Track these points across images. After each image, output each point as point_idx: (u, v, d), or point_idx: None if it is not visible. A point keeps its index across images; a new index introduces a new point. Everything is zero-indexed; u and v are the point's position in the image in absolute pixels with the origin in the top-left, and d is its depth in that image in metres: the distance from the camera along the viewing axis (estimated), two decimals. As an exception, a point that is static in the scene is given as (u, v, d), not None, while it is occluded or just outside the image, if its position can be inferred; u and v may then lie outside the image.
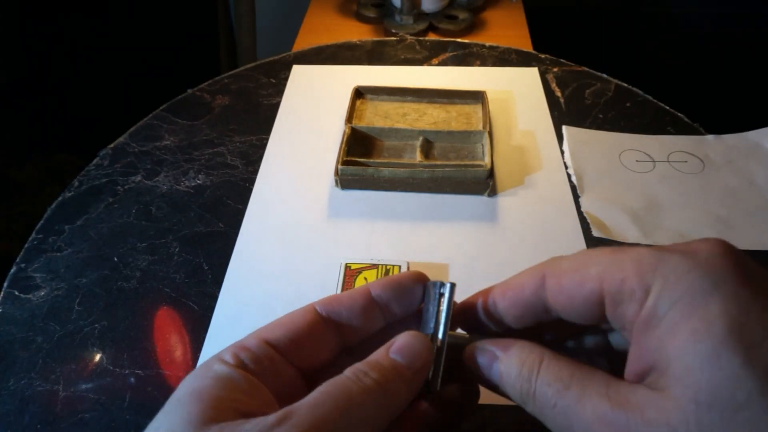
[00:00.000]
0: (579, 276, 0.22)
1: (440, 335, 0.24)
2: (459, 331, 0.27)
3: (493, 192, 0.49)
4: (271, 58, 0.67)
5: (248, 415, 0.20)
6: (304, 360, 0.25)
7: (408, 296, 0.27)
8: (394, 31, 0.90)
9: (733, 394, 0.16)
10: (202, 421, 0.20)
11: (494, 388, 0.24)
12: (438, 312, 0.25)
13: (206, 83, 0.63)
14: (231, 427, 0.19)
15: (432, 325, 0.25)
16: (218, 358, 0.23)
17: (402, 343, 0.24)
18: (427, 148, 0.52)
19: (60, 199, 0.51)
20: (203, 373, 0.23)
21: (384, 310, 0.27)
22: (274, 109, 0.59)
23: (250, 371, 0.23)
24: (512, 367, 0.23)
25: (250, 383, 0.22)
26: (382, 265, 0.40)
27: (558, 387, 0.21)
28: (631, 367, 0.20)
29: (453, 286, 0.24)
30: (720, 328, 0.17)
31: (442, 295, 0.25)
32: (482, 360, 0.24)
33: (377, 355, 0.24)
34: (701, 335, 0.17)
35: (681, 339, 0.18)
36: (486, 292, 0.25)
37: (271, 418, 0.20)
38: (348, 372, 0.22)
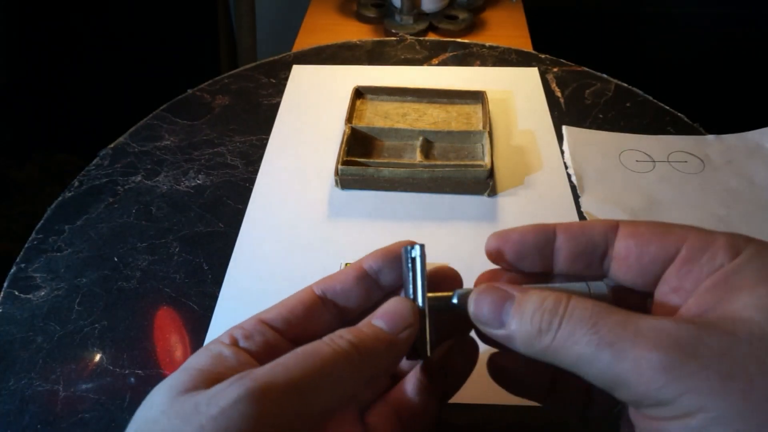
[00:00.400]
0: (661, 230, 0.22)
1: (420, 299, 0.24)
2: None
3: (493, 192, 0.49)
4: (271, 58, 0.67)
5: None
6: (300, 337, 0.25)
7: (399, 264, 0.26)
8: (394, 31, 0.90)
9: None
10: (182, 390, 0.20)
11: (500, 337, 0.22)
12: (414, 276, 0.24)
13: (206, 83, 0.63)
14: (203, 393, 0.20)
15: (411, 290, 0.24)
16: (217, 340, 0.24)
17: (385, 308, 0.24)
18: (427, 148, 0.52)
19: (60, 199, 0.51)
20: (200, 352, 0.23)
21: (378, 281, 0.26)
22: (274, 109, 0.59)
23: (243, 348, 0.23)
24: (531, 302, 0.21)
25: (240, 358, 0.23)
26: (382, 265, 0.40)
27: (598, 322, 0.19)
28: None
29: (422, 247, 0.24)
30: None
31: (414, 258, 0.24)
32: (492, 298, 0.22)
33: (361, 323, 0.24)
34: None
35: (757, 295, 0.19)
36: (549, 227, 0.24)
37: (234, 377, 0.20)
38: (324, 337, 0.23)
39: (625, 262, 0.22)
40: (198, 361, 0.22)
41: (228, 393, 0.19)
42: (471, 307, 0.23)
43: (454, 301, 0.24)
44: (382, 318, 0.24)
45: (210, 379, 0.21)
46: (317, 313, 0.26)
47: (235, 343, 0.24)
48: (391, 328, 0.23)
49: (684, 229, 0.22)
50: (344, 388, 0.21)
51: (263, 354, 0.23)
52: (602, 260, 0.23)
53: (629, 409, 0.20)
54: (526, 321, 0.21)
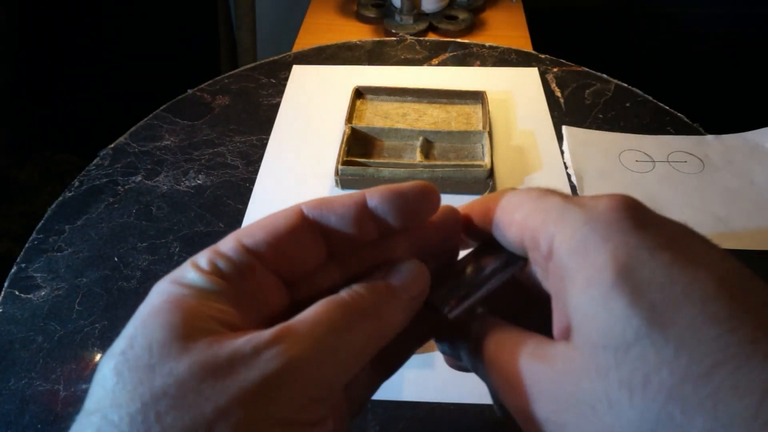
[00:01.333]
0: (508, 218, 0.22)
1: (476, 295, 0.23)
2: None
3: (493, 192, 0.49)
4: (271, 58, 0.67)
5: (234, 328, 0.19)
6: (286, 267, 0.23)
7: (410, 211, 0.24)
8: (394, 31, 0.90)
9: (623, 333, 0.17)
10: (186, 333, 0.18)
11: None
12: (492, 273, 0.23)
13: (206, 83, 0.63)
14: (220, 342, 0.18)
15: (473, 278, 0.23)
16: (192, 263, 0.21)
17: (400, 269, 0.23)
18: (427, 148, 0.52)
19: (60, 199, 0.51)
20: (177, 279, 0.20)
21: (380, 222, 0.24)
22: (274, 109, 0.59)
23: (228, 279, 0.21)
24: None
25: (229, 294, 0.20)
26: (382, 265, 0.40)
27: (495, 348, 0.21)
28: (556, 324, 0.20)
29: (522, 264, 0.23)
30: (608, 274, 0.18)
31: (505, 267, 0.23)
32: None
33: (374, 280, 0.23)
34: (592, 283, 0.18)
35: (577, 289, 0.18)
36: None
37: (267, 334, 0.18)
38: (345, 293, 0.21)
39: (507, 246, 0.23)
40: (180, 292, 0.20)
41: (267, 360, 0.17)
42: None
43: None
44: (398, 278, 0.23)
45: (212, 320, 0.19)
46: (306, 242, 0.23)
47: (217, 272, 0.21)
48: (406, 289, 0.22)
49: (523, 212, 0.22)
50: (366, 354, 0.21)
51: (249, 288, 0.21)
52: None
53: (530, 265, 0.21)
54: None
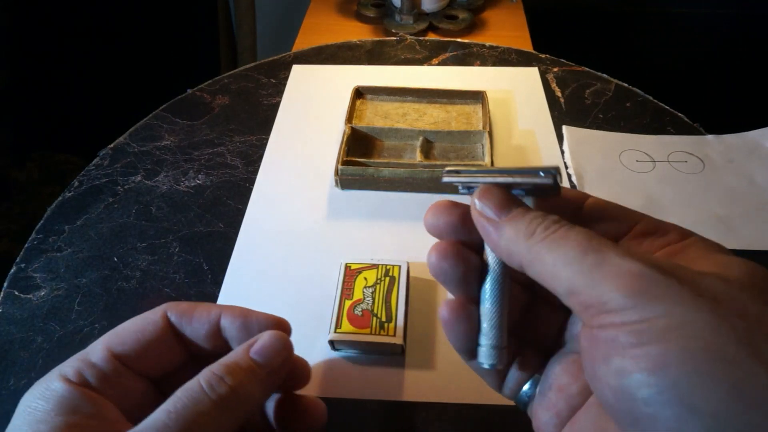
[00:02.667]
0: (622, 208, 0.24)
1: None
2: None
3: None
4: (271, 58, 0.67)
5: None
6: (152, 369, 0.25)
7: (251, 332, 0.26)
8: (394, 31, 0.90)
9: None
10: None
11: (488, 225, 0.22)
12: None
13: (206, 83, 0.63)
14: None
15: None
16: (59, 374, 0.22)
17: (263, 343, 0.24)
18: (427, 148, 0.52)
19: (60, 199, 0.51)
20: (43, 392, 0.22)
21: (225, 338, 0.26)
22: (274, 109, 0.59)
23: (95, 389, 0.22)
24: (535, 213, 0.21)
25: (94, 404, 0.22)
26: (382, 265, 0.40)
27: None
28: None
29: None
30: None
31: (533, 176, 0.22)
32: (503, 195, 0.22)
33: (236, 354, 0.24)
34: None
35: (714, 261, 0.19)
36: None
37: None
38: (202, 379, 0.22)
39: (587, 226, 0.23)
40: (44, 409, 0.21)
41: None
42: (476, 196, 0.22)
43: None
44: (260, 353, 0.24)
45: None
46: (170, 346, 0.25)
47: (83, 382, 0.22)
48: (267, 364, 0.24)
49: (641, 213, 0.23)
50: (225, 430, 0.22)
51: (117, 394, 0.23)
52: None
53: (569, 329, 0.21)
54: (524, 223, 0.21)
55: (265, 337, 0.24)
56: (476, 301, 0.24)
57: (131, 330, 0.25)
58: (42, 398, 0.21)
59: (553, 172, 0.21)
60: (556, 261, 0.19)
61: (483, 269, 0.24)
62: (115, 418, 0.22)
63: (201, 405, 0.21)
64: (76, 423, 0.21)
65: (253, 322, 0.26)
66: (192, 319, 0.26)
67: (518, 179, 0.22)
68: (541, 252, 0.20)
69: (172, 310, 0.26)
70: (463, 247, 0.23)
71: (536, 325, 0.25)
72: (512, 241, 0.21)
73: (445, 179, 0.24)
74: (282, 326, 0.27)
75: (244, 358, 0.23)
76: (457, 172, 0.24)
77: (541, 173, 0.21)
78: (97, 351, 0.24)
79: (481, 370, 0.24)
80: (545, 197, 0.23)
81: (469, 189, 0.24)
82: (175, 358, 0.26)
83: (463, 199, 0.25)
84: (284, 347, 0.24)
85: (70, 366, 0.23)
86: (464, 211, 0.24)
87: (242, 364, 0.23)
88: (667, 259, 0.20)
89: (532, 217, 0.21)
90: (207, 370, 0.23)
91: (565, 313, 0.25)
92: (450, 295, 0.24)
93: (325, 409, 0.28)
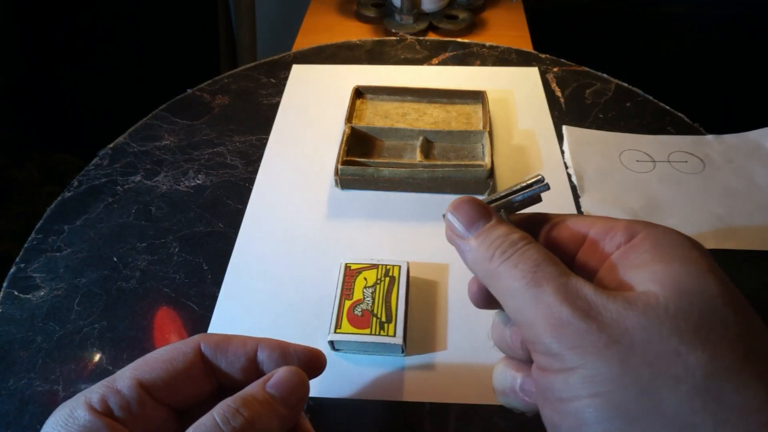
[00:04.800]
0: (576, 219, 0.24)
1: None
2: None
3: (493, 192, 0.49)
4: (271, 58, 0.67)
5: None
6: (178, 400, 0.25)
7: (286, 360, 0.27)
8: (394, 30, 0.90)
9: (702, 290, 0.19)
10: None
11: (458, 244, 0.24)
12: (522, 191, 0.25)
13: (206, 83, 0.63)
14: None
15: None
16: (85, 401, 0.23)
17: (280, 378, 0.24)
18: (427, 148, 0.52)
19: (59, 199, 0.51)
20: (66, 420, 0.22)
21: (263, 371, 0.26)
22: (273, 108, 0.59)
23: (118, 419, 0.22)
24: (499, 230, 0.22)
25: (117, 430, 0.22)
26: (382, 265, 0.40)
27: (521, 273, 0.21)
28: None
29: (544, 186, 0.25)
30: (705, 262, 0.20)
31: (535, 185, 0.25)
32: (471, 212, 0.24)
33: (252, 388, 0.24)
34: (690, 261, 0.20)
35: (652, 270, 0.20)
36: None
37: None
38: (217, 412, 0.22)
39: (550, 247, 0.24)
40: None
41: None
42: (449, 210, 0.24)
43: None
44: (276, 387, 0.24)
45: None
46: (198, 378, 0.25)
47: (107, 412, 0.23)
48: (284, 398, 0.24)
49: (593, 218, 0.23)
50: None
51: (139, 424, 0.23)
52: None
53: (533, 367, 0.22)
54: (486, 243, 0.22)
55: (281, 372, 0.24)
56: None
57: (161, 359, 0.25)
58: (65, 427, 0.22)
59: (542, 178, 0.24)
60: (505, 291, 0.21)
61: None
62: None
63: None
64: None
65: (291, 354, 0.26)
66: (227, 352, 0.26)
67: (517, 197, 0.25)
68: (494, 278, 0.21)
69: (206, 342, 0.26)
70: None
71: None
72: (477, 261, 0.22)
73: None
74: (317, 358, 0.27)
75: (261, 391, 0.23)
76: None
77: (535, 181, 0.24)
78: (124, 378, 0.24)
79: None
80: (534, 204, 0.26)
81: None
82: (203, 389, 0.26)
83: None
84: (301, 382, 0.24)
85: (96, 392, 0.23)
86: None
87: (258, 397, 0.23)
88: (614, 268, 0.21)
89: (496, 236, 0.22)
90: (222, 403, 0.23)
91: None
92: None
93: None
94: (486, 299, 0.24)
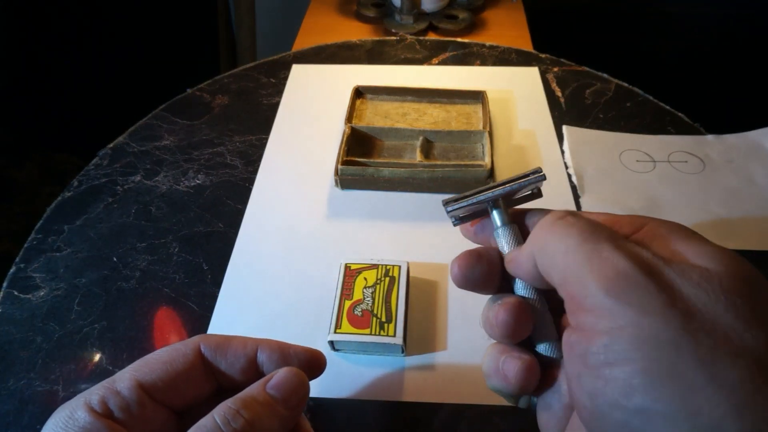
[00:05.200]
0: (587, 215, 0.24)
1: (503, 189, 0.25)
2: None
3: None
4: (271, 58, 0.67)
5: None
6: (178, 401, 0.25)
7: (286, 361, 0.27)
8: (394, 30, 0.90)
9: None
10: None
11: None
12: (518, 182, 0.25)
13: (206, 83, 0.63)
14: None
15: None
16: (85, 403, 0.23)
17: (280, 378, 0.24)
18: (427, 148, 0.52)
19: (59, 199, 0.51)
20: (66, 422, 0.22)
21: (262, 370, 0.26)
22: (273, 108, 0.59)
23: (118, 421, 0.23)
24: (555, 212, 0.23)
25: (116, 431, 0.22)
26: (382, 265, 0.40)
27: None
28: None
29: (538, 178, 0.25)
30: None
31: (531, 175, 0.25)
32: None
33: (253, 389, 0.24)
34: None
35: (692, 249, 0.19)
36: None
37: None
38: (217, 413, 0.22)
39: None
40: None
41: None
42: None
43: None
44: (276, 388, 0.24)
45: None
46: (199, 378, 0.25)
47: (107, 413, 0.23)
48: (284, 399, 0.24)
49: (595, 213, 0.23)
50: None
51: (138, 425, 0.23)
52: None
53: (564, 332, 0.21)
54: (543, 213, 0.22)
55: (281, 373, 0.24)
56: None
57: (161, 360, 0.25)
58: (65, 428, 0.22)
59: (540, 170, 0.24)
60: (557, 250, 0.20)
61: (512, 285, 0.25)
62: None
63: None
64: None
65: (291, 355, 0.26)
66: (227, 353, 0.26)
67: (514, 185, 0.24)
68: (547, 240, 0.21)
69: (205, 343, 0.26)
70: (483, 252, 0.25)
71: None
72: (537, 224, 0.22)
73: (449, 210, 0.26)
74: (317, 359, 0.27)
75: (261, 392, 0.23)
76: (455, 200, 0.25)
77: (533, 174, 0.24)
78: (124, 380, 0.24)
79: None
80: (534, 199, 0.26)
81: (462, 219, 0.27)
82: (203, 390, 0.26)
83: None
84: (302, 383, 0.24)
85: (96, 393, 0.23)
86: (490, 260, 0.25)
87: (259, 398, 0.23)
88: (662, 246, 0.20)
89: (550, 211, 0.22)
90: (223, 404, 0.23)
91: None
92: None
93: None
94: (468, 279, 0.24)
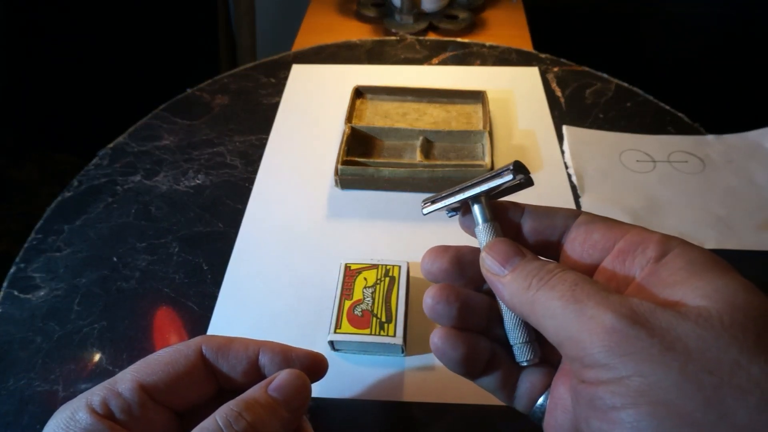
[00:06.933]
0: (610, 224, 0.23)
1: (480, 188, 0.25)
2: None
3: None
4: (271, 58, 0.67)
5: None
6: (179, 402, 0.25)
7: (287, 365, 0.27)
8: (394, 30, 0.90)
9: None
10: None
11: (494, 280, 0.23)
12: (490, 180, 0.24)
13: (206, 83, 0.63)
14: None
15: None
16: (86, 403, 0.23)
17: (282, 381, 0.24)
18: (427, 148, 0.52)
19: (59, 199, 0.51)
20: (67, 423, 0.22)
21: (263, 372, 0.26)
22: (273, 108, 0.59)
23: (119, 422, 0.23)
24: (533, 263, 0.22)
25: None
26: (382, 265, 0.40)
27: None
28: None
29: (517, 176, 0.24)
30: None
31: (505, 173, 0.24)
32: (506, 248, 0.23)
33: (255, 391, 0.24)
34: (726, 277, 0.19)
35: (695, 286, 0.19)
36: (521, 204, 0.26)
37: None
38: (219, 415, 0.22)
39: (572, 244, 0.24)
40: None
41: None
42: (485, 250, 0.24)
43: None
44: (278, 390, 0.24)
45: None
46: (200, 380, 0.25)
47: (108, 414, 0.23)
48: (286, 401, 0.24)
49: (628, 226, 0.23)
50: None
51: (140, 426, 0.23)
52: (559, 239, 0.25)
53: (571, 381, 0.21)
54: (522, 274, 0.22)
55: (283, 375, 0.24)
56: (477, 330, 0.25)
57: (162, 362, 0.25)
58: (66, 429, 0.22)
59: (511, 167, 0.23)
60: (545, 314, 0.20)
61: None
62: None
63: None
64: None
65: (293, 358, 0.26)
66: (229, 355, 0.26)
67: (489, 184, 0.24)
68: (534, 305, 0.21)
69: (207, 345, 0.26)
70: (455, 288, 0.25)
71: (543, 340, 0.25)
72: (514, 294, 0.22)
73: (425, 211, 0.26)
74: (319, 362, 0.27)
75: (263, 395, 0.23)
76: (433, 201, 0.26)
77: (506, 171, 0.24)
78: (125, 381, 0.24)
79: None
80: (523, 189, 0.26)
81: (455, 211, 0.27)
82: (204, 392, 0.26)
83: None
84: (303, 385, 0.24)
85: (97, 394, 0.23)
86: (454, 255, 0.25)
87: (261, 400, 0.23)
88: (647, 285, 0.20)
89: (531, 267, 0.22)
90: (225, 406, 0.23)
91: None
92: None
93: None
94: (431, 273, 0.25)
